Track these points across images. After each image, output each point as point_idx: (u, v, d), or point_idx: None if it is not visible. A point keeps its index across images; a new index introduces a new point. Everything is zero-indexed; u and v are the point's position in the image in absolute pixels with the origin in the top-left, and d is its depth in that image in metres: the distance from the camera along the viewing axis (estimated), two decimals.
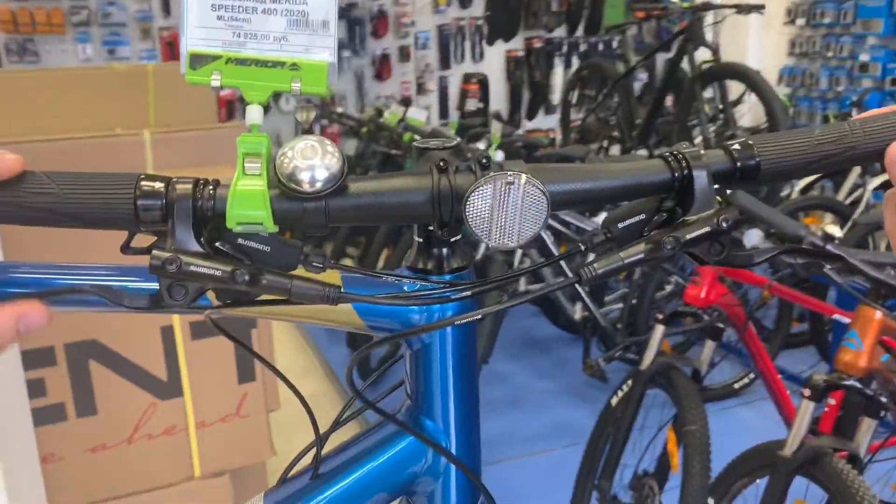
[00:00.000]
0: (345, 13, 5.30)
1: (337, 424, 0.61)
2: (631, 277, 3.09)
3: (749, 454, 1.65)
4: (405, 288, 0.55)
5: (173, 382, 1.71)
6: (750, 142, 0.51)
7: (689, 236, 0.49)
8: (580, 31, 5.93)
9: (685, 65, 3.51)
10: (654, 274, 2.96)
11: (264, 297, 0.48)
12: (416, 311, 0.56)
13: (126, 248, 0.48)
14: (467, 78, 5.63)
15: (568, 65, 5.90)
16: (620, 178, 0.51)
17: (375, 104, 5.09)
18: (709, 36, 3.52)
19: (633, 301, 3.07)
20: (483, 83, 5.64)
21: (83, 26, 4.83)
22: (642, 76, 5.61)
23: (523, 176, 0.46)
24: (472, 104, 5.58)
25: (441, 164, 0.48)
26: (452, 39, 5.64)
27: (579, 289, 2.99)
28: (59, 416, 1.64)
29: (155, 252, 0.45)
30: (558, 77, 5.90)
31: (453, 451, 0.58)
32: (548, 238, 2.96)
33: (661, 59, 4.90)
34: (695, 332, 2.58)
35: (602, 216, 3.10)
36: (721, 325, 1.83)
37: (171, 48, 5.06)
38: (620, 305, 3.16)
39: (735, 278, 1.91)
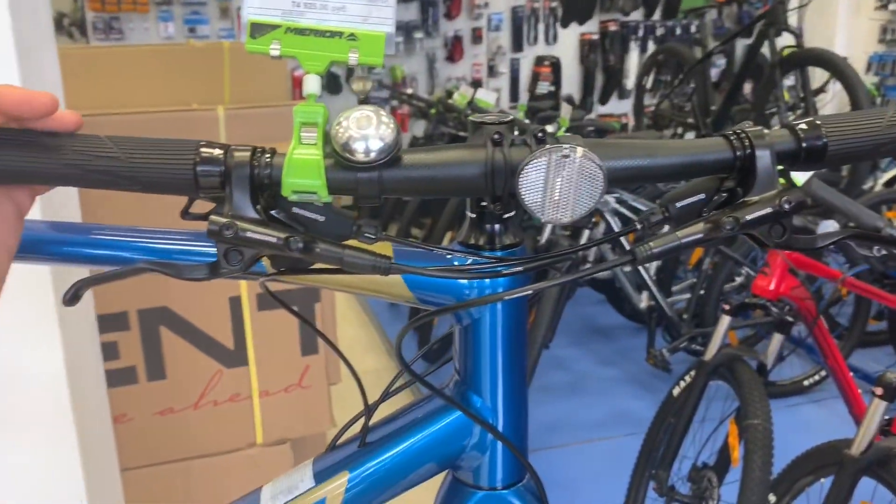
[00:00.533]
0: None
1: (386, 396, 0.62)
2: (700, 267, 3.02)
3: (814, 452, 1.61)
4: (455, 262, 0.56)
5: (239, 351, 1.76)
6: (817, 122, 0.49)
7: (749, 217, 0.48)
8: (657, 15, 5.80)
9: (766, 50, 3.40)
10: (724, 265, 2.89)
11: (317, 266, 0.49)
12: (466, 285, 0.56)
13: (185, 214, 0.49)
14: (539, 60, 5.58)
15: (644, 49, 5.78)
16: (679, 155, 0.50)
17: (446, 86, 5.10)
18: (793, 20, 3.40)
19: (701, 292, 3.00)
20: (555, 66, 5.57)
21: (165, 5, 4.97)
22: (721, 62, 5.45)
23: (579, 149, 0.46)
24: (544, 87, 5.52)
25: (496, 136, 0.48)
26: (526, 21, 5.59)
27: (645, 277, 2.95)
28: (131, 378, 1.71)
29: (213, 218, 0.46)
30: (633, 61, 5.79)
31: (500, 427, 0.59)
32: (615, 224, 2.92)
33: (742, 45, 4.75)
34: (763, 326, 2.52)
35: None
36: (790, 319, 1.77)
37: None
38: (688, 296, 3.10)
39: (808, 271, 1.85)
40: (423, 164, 0.48)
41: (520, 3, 5.56)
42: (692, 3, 5.55)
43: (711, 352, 1.80)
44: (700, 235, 0.48)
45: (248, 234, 0.46)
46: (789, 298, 1.80)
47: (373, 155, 0.45)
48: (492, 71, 5.60)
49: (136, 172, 0.46)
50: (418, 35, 5.35)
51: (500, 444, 0.59)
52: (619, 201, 3.03)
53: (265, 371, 1.79)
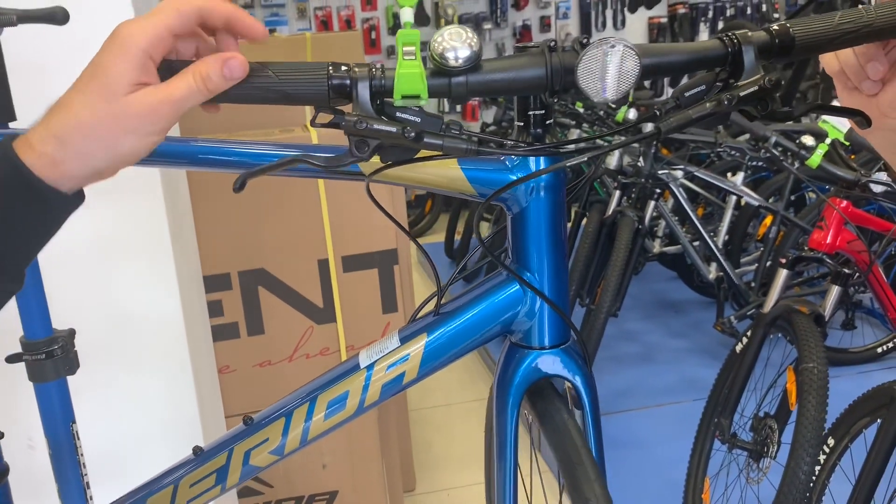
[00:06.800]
0: None
1: (454, 279, 0.77)
2: (766, 236, 3.07)
3: (871, 393, 1.67)
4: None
5: (328, 309, 1.95)
6: (787, 24, 0.63)
7: (742, 93, 0.61)
8: None
9: None
10: (790, 234, 2.94)
11: (418, 156, 0.63)
12: (515, 179, 0.70)
13: (314, 123, 0.64)
14: None
15: (713, 30, 5.76)
16: (688, 53, 0.64)
17: None
18: None
19: (769, 263, 3.05)
20: None
21: (248, 8, 5.25)
22: None
23: (621, 41, 0.60)
24: None
25: (552, 44, 0.62)
26: (593, 8, 5.66)
27: (713, 248, 3.01)
28: (234, 333, 1.91)
29: (348, 115, 0.59)
30: None
31: (546, 295, 0.73)
32: (682, 197, 3.00)
33: None
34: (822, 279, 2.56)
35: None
36: (847, 271, 1.84)
37: (324, 26, 5.40)
38: (755, 266, 3.16)
39: (861, 224, 1.91)
40: (499, 69, 0.62)
41: None
42: None
43: (769, 304, 1.89)
44: (708, 111, 0.62)
45: (375, 126, 0.59)
46: (846, 252, 1.87)
47: (461, 62, 0.59)
48: None
49: (285, 87, 0.59)
50: (487, 26, 5.50)
51: (546, 311, 0.73)
52: (688, 176, 3.11)
53: (351, 327, 1.97)
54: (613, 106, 2.91)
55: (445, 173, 0.72)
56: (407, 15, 0.60)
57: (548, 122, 0.69)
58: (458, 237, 4.21)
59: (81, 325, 1.26)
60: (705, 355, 3.15)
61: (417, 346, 0.74)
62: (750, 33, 0.63)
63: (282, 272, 1.91)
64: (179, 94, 0.56)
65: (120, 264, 1.42)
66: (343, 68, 0.60)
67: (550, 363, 0.75)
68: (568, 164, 0.65)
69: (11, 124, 1.02)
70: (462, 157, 0.61)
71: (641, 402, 2.82)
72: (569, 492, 0.71)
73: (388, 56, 5.50)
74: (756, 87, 0.61)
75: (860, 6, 0.61)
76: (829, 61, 0.68)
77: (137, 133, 0.55)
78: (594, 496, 0.69)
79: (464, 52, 0.59)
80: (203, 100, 0.57)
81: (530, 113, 0.68)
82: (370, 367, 0.75)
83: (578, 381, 0.76)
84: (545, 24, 5.61)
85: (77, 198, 0.58)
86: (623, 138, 0.74)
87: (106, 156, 0.56)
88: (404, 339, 0.75)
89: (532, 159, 0.70)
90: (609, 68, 0.59)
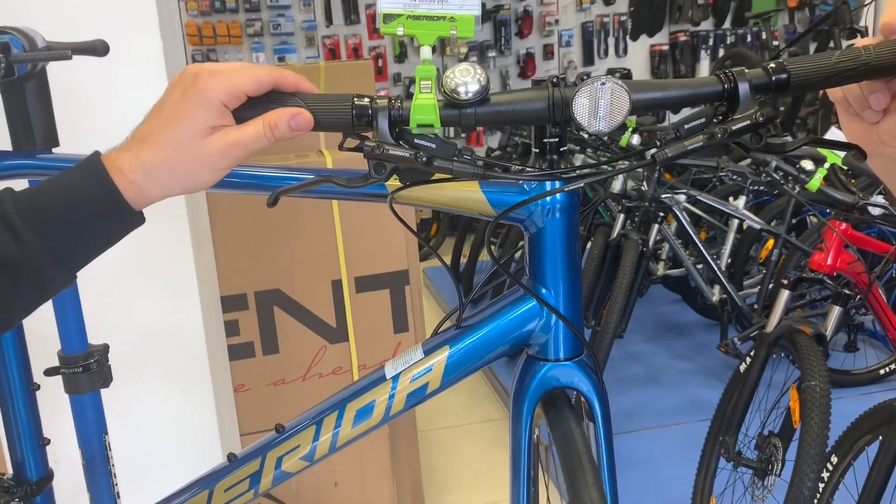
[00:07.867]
0: (490, 15, 5.56)
1: (475, 294, 0.82)
2: (769, 259, 3.12)
3: (871, 412, 1.71)
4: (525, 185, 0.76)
5: (341, 329, 2.00)
6: (783, 62, 0.66)
7: (734, 127, 0.65)
8: (727, 23, 5.87)
9: None
10: (792, 256, 2.99)
11: (433, 178, 0.68)
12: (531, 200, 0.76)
13: (341, 147, 0.70)
14: (611, 73, 5.72)
15: (714, 58, 5.86)
16: (685, 89, 0.68)
17: None
18: (865, 21, 3.45)
19: (771, 284, 3.10)
20: (626, 78, 5.69)
21: (257, 37, 5.35)
22: None
23: (611, 79, 0.66)
24: None
25: (555, 80, 0.68)
26: (596, 36, 5.75)
27: (717, 270, 3.06)
28: (249, 352, 1.96)
29: (367, 142, 0.66)
30: (704, 70, 5.87)
31: (561, 311, 0.78)
32: (685, 220, 3.06)
33: (814, 48, 4.79)
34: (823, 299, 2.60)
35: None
36: (847, 292, 1.88)
37: (332, 54, 5.50)
38: (758, 289, 3.20)
39: (861, 246, 1.96)
40: (505, 102, 0.68)
41: (589, 19, 5.74)
42: (763, 9, 5.61)
43: (772, 324, 1.93)
44: (700, 143, 0.66)
45: (392, 151, 0.66)
46: (846, 273, 1.91)
47: (471, 95, 0.66)
48: None
49: (320, 116, 0.67)
50: (491, 54, 5.59)
51: (561, 327, 0.78)
52: (691, 200, 3.17)
53: (363, 346, 2.02)
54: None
55: (467, 195, 0.77)
56: (426, 53, 0.66)
57: (562, 148, 0.74)
58: (463, 259, 4.27)
59: (110, 342, 1.31)
60: (710, 376, 3.19)
61: (440, 358, 0.79)
62: (746, 70, 0.67)
63: (296, 292, 1.96)
64: (249, 138, 0.65)
65: (147, 283, 1.47)
66: (366, 100, 0.67)
67: (564, 374, 0.80)
68: (569, 188, 0.70)
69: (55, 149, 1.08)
70: (470, 179, 0.67)
71: (647, 423, 2.85)
72: (568, 495, 0.76)
73: (395, 83, 5.59)
74: (748, 122, 0.65)
75: (858, 45, 0.65)
76: (833, 90, 0.71)
77: (211, 169, 0.65)
78: (590, 500, 0.73)
79: (473, 87, 0.65)
80: (268, 145, 0.66)
81: (545, 140, 0.74)
82: (395, 377, 0.80)
83: (590, 391, 0.81)
84: (548, 52, 5.71)
85: (141, 217, 0.67)
86: (624, 165, 0.82)
87: (182, 186, 0.65)
88: (428, 351, 0.80)
89: (548, 183, 0.75)
90: (601, 104, 0.65)
